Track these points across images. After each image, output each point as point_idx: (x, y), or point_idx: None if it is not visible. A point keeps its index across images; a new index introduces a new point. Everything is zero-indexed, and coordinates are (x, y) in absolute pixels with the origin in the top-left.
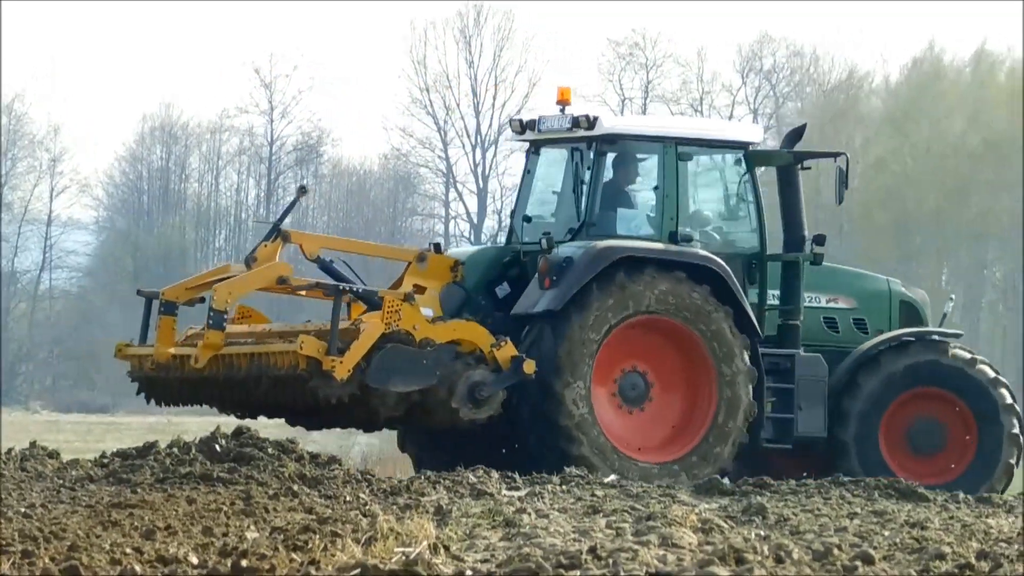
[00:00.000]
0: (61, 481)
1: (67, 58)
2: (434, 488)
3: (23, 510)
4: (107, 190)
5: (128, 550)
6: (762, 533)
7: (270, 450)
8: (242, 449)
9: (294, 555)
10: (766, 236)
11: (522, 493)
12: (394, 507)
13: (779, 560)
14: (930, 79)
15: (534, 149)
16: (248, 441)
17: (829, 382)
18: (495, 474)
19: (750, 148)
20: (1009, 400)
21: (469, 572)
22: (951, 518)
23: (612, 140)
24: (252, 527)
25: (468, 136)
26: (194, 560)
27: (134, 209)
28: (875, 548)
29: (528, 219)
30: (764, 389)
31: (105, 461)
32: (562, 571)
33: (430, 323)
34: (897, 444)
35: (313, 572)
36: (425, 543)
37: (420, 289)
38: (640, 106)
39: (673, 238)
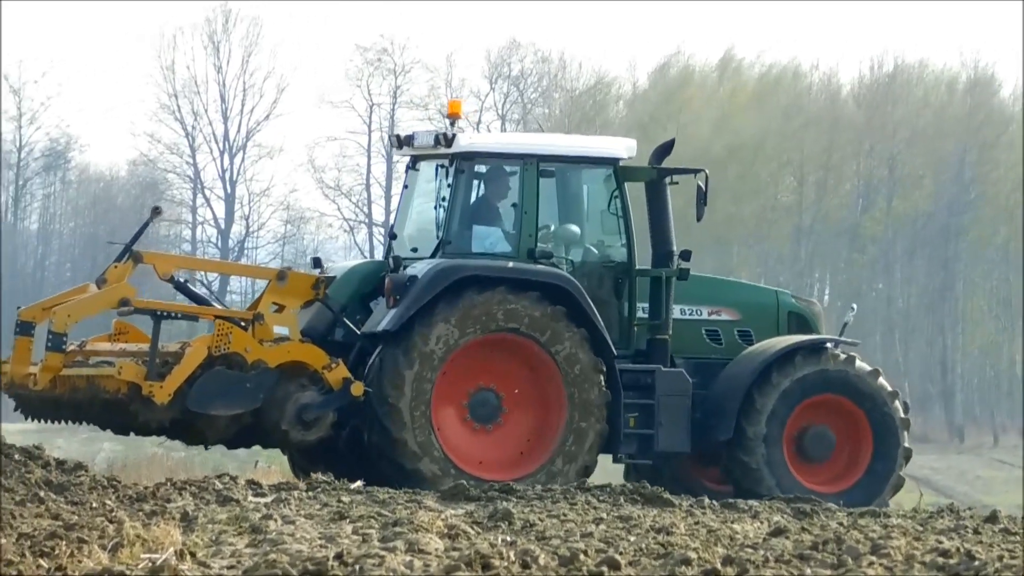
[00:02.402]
0: None
1: None
2: (180, 494)
3: None
4: None
5: None
6: (508, 539)
7: (16, 456)
8: None
9: (41, 561)
10: (635, 251)
11: (268, 500)
12: (140, 513)
13: (525, 566)
14: (677, 84)
15: (413, 164)
16: None
17: (718, 391)
18: (241, 480)
19: (620, 164)
20: (903, 413)
21: None
22: (696, 523)
23: (469, 157)
24: None
25: (216, 141)
26: None
27: None
28: (621, 553)
29: (393, 235)
30: (622, 405)
31: None
32: None
33: (264, 345)
34: (791, 453)
35: None
36: (171, 549)
37: (280, 308)
38: (388, 112)
39: (531, 255)
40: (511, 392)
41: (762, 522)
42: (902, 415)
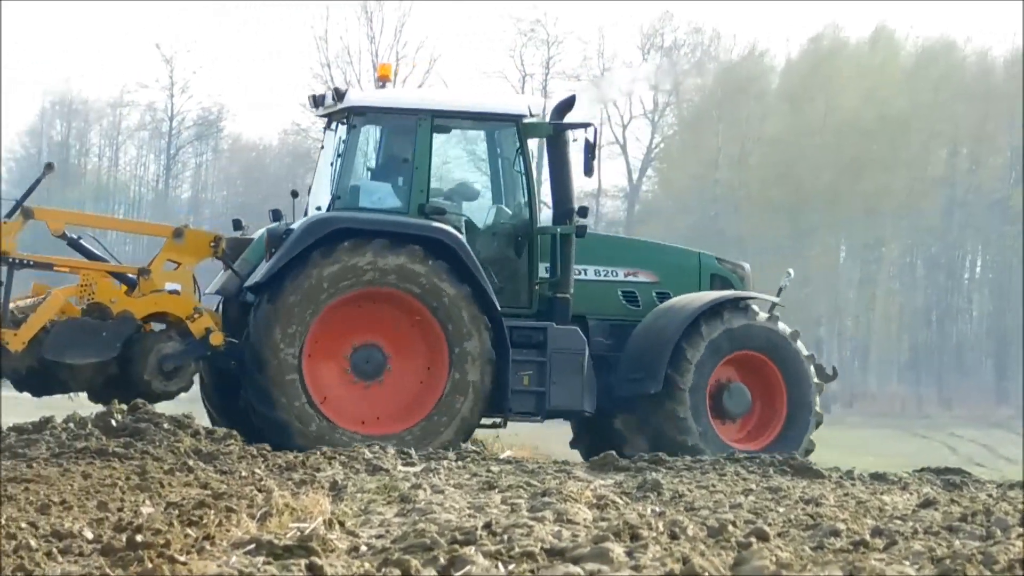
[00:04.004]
0: None
1: None
2: (329, 464)
3: None
4: (6, 165)
5: (23, 524)
6: (657, 509)
7: (166, 425)
8: (138, 424)
9: (189, 530)
10: (536, 209)
11: (418, 469)
12: (289, 482)
13: (674, 536)
14: (827, 56)
15: (328, 124)
16: (144, 416)
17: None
18: (391, 450)
19: (523, 121)
20: (815, 376)
21: (364, 547)
22: (846, 495)
23: (361, 113)
24: (147, 502)
25: None
26: (89, 535)
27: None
28: (770, 525)
29: (294, 194)
30: (511, 362)
31: (0, 436)
32: (457, 547)
33: (131, 296)
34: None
35: (208, 547)
36: (320, 519)
37: (176, 264)
38: (541, 82)
39: (422, 211)
40: (397, 347)
41: (911, 493)
42: (816, 379)
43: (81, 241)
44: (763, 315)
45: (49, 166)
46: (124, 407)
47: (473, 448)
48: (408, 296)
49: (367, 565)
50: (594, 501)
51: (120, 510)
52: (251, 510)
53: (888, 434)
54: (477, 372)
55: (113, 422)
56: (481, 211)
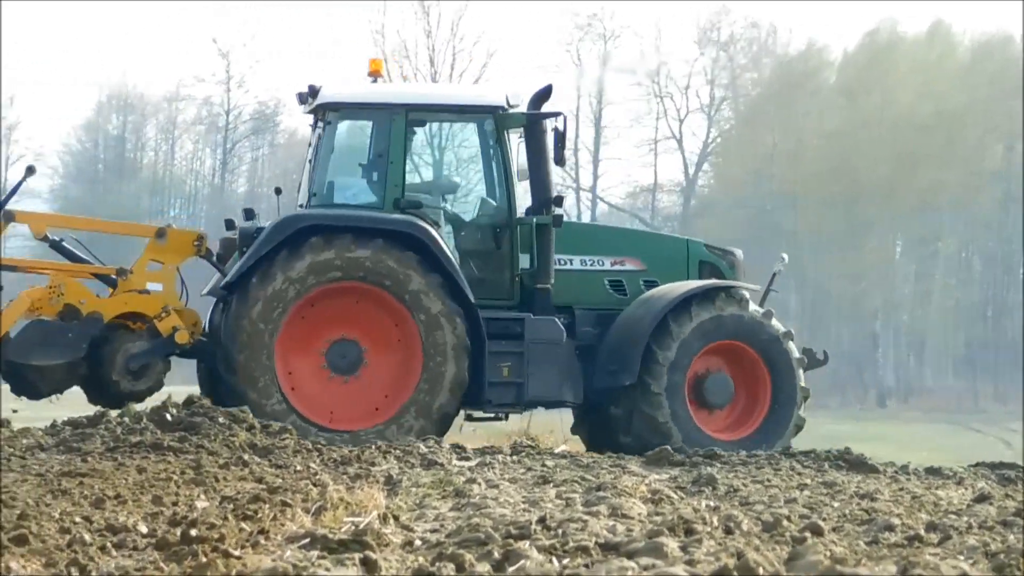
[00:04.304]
0: (11, 449)
1: (22, 27)
2: (384, 458)
3: None
4: (62, 159)
5: (78, 519)
6: (712, 504)
7: (221, 419)
8: (193, 418)
9: (244, 524)
10: (515, 200)
11: (472, 463)
12: (344, 477)
13: (728, 531)
14: (884, 51)
15: (314, 122)
16: (199, 410)
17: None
18: (446, 444)
19: (500, 112)
20: (798, 354)
21: (418, 542)
22: (901, 489)
23: (335, 109)
24: (202, 496)
25: None
26: (144, 529)
27: (89, 178)
28: (824, 519)
29: (278, 191)
30: (488, 354)
31: (56, 430)
32: (512, 541)
33: (101, 297)
34: (691, 400)
35: (262, 541)
36: (375, 513)
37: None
38: (597, 77)
39: (397, 206)
40: (374, 341)
41: (966, 488)
42: (796, 355)
43: (63, 243)
44: (734, 300)
45: (30, 169)
46: (178, 402)
47: (528, 443)
48: (379, 290)
49: (421, 559)
50: (648, 496)
51: (175, 504)
52: (306, 504)
53: (943, 429)
54: (451, 364)
55: (168, 416)
56: (460, 204)
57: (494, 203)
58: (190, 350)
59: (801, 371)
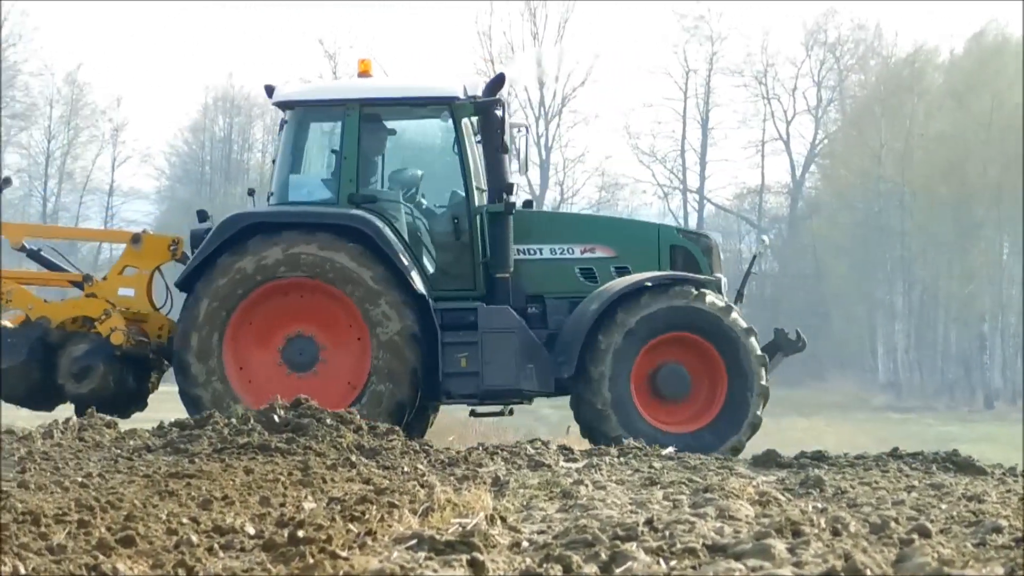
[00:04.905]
0: (119, 451)
1: (130, 28)
2: (492, 459)
3: (80, 480)
4: (169, 160)
5: (185, 520)
6: (819, 506)
7: (328, 420)
8: (300, 419)
9: (351, 525)
10: (473, 191)
11: (580, 465)
12: (451, 478)
13: (836, 533)
14: (993, 53)
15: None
16: (306, 411)
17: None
18: (553, 446)
19: (455, 103)
20: (759, 352)
21: (525, 543)
22: (1008, 491)
23: (290, 107)
24: (309, 497)
25: (532, 108)
26: (251, 530)
27: (196, 179)
28: (932, 521)
29: (250, 192)
30: (443, 345)
31: (163, 431)
32: (619, 543)
33: (48, 302)
34: (643, 389)
35: (369, 542)
36: (482, 514)
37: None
38: (704, 78)
39: (352, 200)
40: (329, 335)
41: None
42: (758, 353)
43: (41, 252)
44: (691, 292)
45: (6, 180)
46: (286, 403)
47: (635, 444)
48: (326, 284)
49: (528, 561)
50: (756, 497)
51: (282, 505)
52: (413, 505)
53: None
54: (401, 356)
55: (275, 418)
56: (420, 196)
57: (455, 194)
58: (161, 352)
59: (763, 369)
